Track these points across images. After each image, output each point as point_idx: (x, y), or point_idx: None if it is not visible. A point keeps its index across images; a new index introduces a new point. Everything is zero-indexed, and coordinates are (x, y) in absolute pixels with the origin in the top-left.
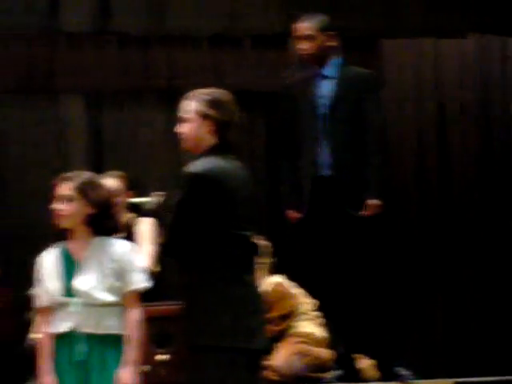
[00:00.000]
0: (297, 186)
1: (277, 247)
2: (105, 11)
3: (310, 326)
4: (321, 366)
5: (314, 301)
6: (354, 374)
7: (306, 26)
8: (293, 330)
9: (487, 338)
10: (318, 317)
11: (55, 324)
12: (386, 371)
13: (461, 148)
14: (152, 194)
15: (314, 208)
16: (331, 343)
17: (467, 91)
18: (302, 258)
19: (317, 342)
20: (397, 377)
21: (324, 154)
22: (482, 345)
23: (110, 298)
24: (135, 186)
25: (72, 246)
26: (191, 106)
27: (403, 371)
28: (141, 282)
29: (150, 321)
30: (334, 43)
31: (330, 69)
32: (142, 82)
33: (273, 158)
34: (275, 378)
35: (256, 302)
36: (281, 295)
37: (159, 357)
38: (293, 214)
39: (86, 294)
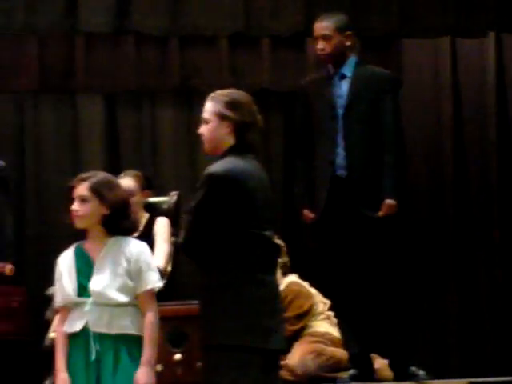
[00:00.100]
0: (312, 186)
1: (291, 247)
2: (123, 11)
3: (325, 325)
4: (336, 366)
5: (329, 300)
6: (368, 373)
7: (323, 25)
8: (308, 330)
9: (502, 337)
10: (332, 316)
11: (70, 323)
12: (400, 371)
13: (478, 148)
14: (168, 193)
15: (330, 208)
16: (345, 343)
17: (485, 91)
18: (317, 257)
19: (332, 341)
20: (411, 377)
21: (340, 154)
22: (496, 345)
23: (123, 298)
24: (151, 185)
25: (88, 246)
26: (210, 107)
27: (418, 371)
28: (155, 281)
29: (165, 320)
30: (351, 43)
31: (348, 68)
32: (159, 82)
33: (290, 158)
34: (290, 377)
35: (275, 302)
36: (296, 295)
37: (174, 356)
38: (308, 214)
39: (99, 294)
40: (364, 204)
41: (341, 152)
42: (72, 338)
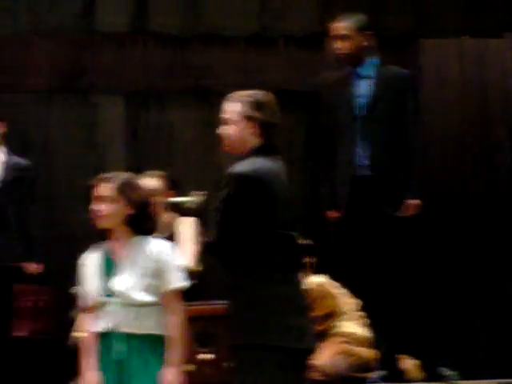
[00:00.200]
0: (335, 186)
1: (317, 247)
2: (139, 11)
3: (353, 325)
4: (364, 366)
5: (357, 301)
6: (397, 374)
7: (342, 25)
8: (335, 330)
9: None
10: (361, 317)
11: (96, 323)
12: (429, 371)
13: (504, 147)
14: (191, 193)
15: (353, 208)
16: (374, 343)
17: (508, 91)
18: (343, 257)
19: (359, 341)
20: (440, 377)
21: (362, 154)
22: None
23: (147, 297)
24: (175, 185)
25: (112, 246)
26: (234, 107)
27: (447, 371)
28: (179, 281)
29: (194, 320)
30: (370, 43)
31: (367, 68)
32: (175, 82)
33: (311, 157)
34: (319, 377)
35: (302, 302)
36: (322, 295)
37: (203, 356)
38: (332, 214)
39: (123, 294)
40: (386, 204)
41: (362, 152)
42: (99, 338)
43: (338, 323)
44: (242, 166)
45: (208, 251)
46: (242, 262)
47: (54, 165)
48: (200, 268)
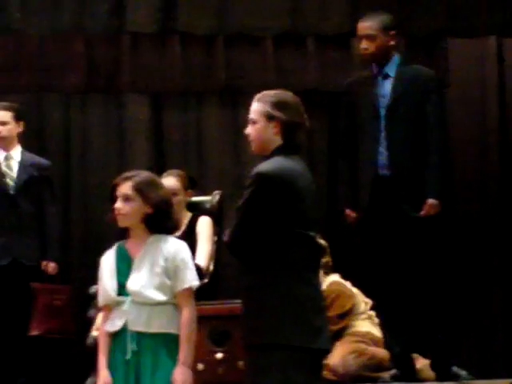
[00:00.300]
0: (355, 185)
1: (333, 246)
2: (169, 11)
3: (367, 325)
4: (377, 366)
5: (371, 300)
6: (410, 373)
7: (367, 25)
8: (349, 330)
9: None
10: (374, 316)
11: (111, 322)
12: (443, 371)
13: None
14: (212, 193)
15: (373, 208)
16: (387, 343)
17: None
18: (360, 257)
19: (373, 341)
20: (454, 377)
21: (383, 154)
22: None
23: (161, 296)
24: (195, 185)
25: (130, 244)
26: (257, 107)
27: (460, 371)
28: (193, 280)
29: (207, 319)
30: (395, 42)
31: (392, 68)
32: (205, 82)
33: (334, 157)
34: (332, 377)
35: (319, 302)
36: (338, 294)
37: (216, 355)
38: (350, 214)
39: (137, 293)
40: (407, 203)
41: (384, 152)
42: (113, 336)
43: (352, 322)
44: (265, 166)
45: (228, 250)
46: (261, 262)
47: (77, 163)
48: (212, 267)
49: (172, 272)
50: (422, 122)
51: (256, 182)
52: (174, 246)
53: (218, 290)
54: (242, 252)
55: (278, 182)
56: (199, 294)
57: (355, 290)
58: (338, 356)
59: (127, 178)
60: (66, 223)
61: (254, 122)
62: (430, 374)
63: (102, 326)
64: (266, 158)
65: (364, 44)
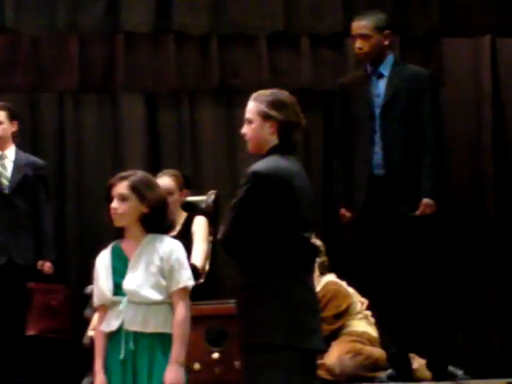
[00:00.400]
0: (350, 184)
1: (329, 246)
2: (163, 11)
3: (363, 325)
4: (373, 365)
5: (367, 299)
6: (407, 373)
7: (362, 24)
8: (346, 329)
9: None
10: (370, 316)
11: (107, 322)
12: (439, 370)
13: None
14: (207, 192)
15: (368, 207)
16: (383, 343)
17: None
18: (355, 256)
19: (370, 341)
20: (450, 376)
21: (378, 153)
22: None
23: (157, 296)
24: (189, 184)
25: (125, 244)
26: (253, 106)
27: (457, 371)
28: (188, 280)
29: (204, 319)
30: (389, 42)
31: (386, 67)
32: (199, 81)
33: (329, 156)
34: (328, 377)
35: (313, 303)
36: (334, 294)
37: (213, 355)
38: (345, 213)
39: (133, 293)
40: (402, 203)
41: (379, 151)
42: (110, 336)
43: (348, 322)
44: (260, 165)
45: (221, 248)
46: (255, 261)
47: (71, 163)
48: (208, 267)
49: (167, 272)
50: (416, 121)
51: (251, 181)
52: (169, 245)
53: (214, 290)
54: (235, 250)
55: (273, 180)
56: (195, 294)
57: (351, 290)
58: (335, 356)
59: (123, 178)
60: (61, 222)
61: (250, 122)
62: (427, 373)
63: (98, 327)
64: (262, 157)
65: (359, 43)
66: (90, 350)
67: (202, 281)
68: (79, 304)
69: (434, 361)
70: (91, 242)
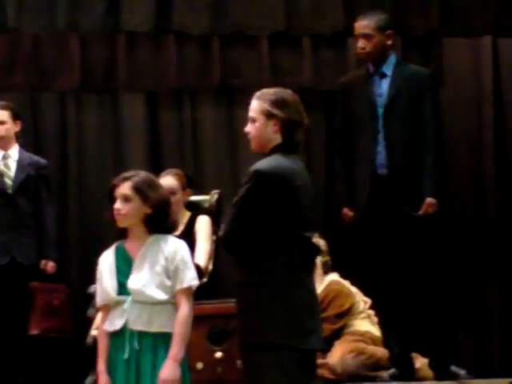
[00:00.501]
0: (352, 184)
1: (332, 245)
2: (164, 10)
3: (366, 324)
4: (376, 365)
5: (370, 299)
6: (409, 372)
7: (364, 24)
8: (348, 329)
9: None
10: (373, 315)
11: (111, 322)
12: (441, 370)
13: None
14: (210, 192)
15: (370, 207)
16: (386, 342)
17: None
18: (358, 256)
19: (372, 340)
20: (452, 376)
21: (381, 153)
22: None
23: (162, 296)
24: (192, 184)
25: (129, 244)
26: (257, 105)
27: (459, 370)
28: (192, 279)
29: (206, 318)
30: (392, 42)
31: (389, 67)
32: (200, 81)
33: (331, 156)
34: (330, 376)
35: (313, 303)
36: (337, 294)
37: (215, 354)
38: (347, 213)
39: (137, 292)
40: (404, 202)
41: (381, 151)
42: (113, 336)
43: (351, 322)
44: (262, 163)
45: (222, 246)
46: (255, 260)
47: (73, 163)
48: (211, 267)
49: (172, 272)
50: (418, 121)
51: (253, 179)
52: (174, 245)
53: (217, 289)
54: (235, 248)
55: (275, 179)
56: (198, 293)
57: (354, 289)
58: (337, 355)
59: (126, 179)
60: (63, 222)
61: (254, 120)
62: (429, 373)
63: (101, 327)
64: (264, 156)
65: (361, 43)
66: (92, 349)
67: (205, 280)
68: (81, 303)
69: (437, 360)
70: (93, 242)
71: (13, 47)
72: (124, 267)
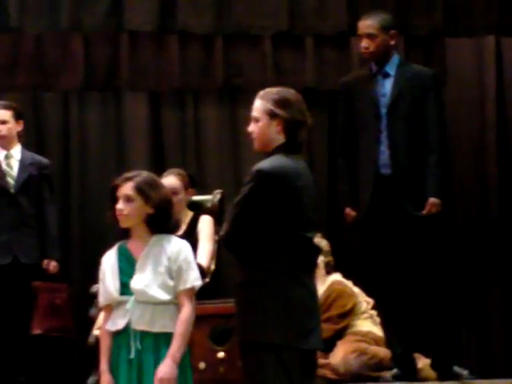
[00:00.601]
0: (355, 184)
1: (334, 245)
2: (167, 10)
3: (368, 324)
4: (378, 365)
5: (372, 299)
6: (412, 373)
7: (368, 24)
8: (351, 329)
9: None
10: (376, 315)
11: (113, 322)
12: (444, 370)
13: None
14: (212, 191)
15: (374, 207)
16: (389, 342)
17: None
18: (361, 256)
19: (375, 340)
20: (455, 376)
21: (384, 153)
22: None
23: (164, 296)
24: (195, 183)
25: (131, 244)
26: (260, 105)
27: (462, 371)
28: (195, 280)
29: (208, 318)
30: (395, 42)
31: (392, 67)
32: (203, 81)
33: (334, 156)
34: (333, 376)
35: (313, 303)
36: (339, 294)
37: (217, 354)
38: (350, 213)
39: (140, 292)
40: (408, 202)
41: (385, 150)
42: (116, 336)
43: (353, 322)
44: (265, 163)
45: (223, 244)
46: (255, 259)
47: (76, 162)
48: (213, 267)
49: (175, 272)
50: (422, 121)
51: (255, 179)
52: (177, 245)
53: (219, 289)
54: (236, 247)
55: (277, 179)
56: (201, 293)
57: (356, 290)
58: (340, 355)
59: (128, 179)
60: (66, 222)
61: (257, 120)
62: (431, 373)
63: (103, 327)
64: (267, 155)
65: (364, 43)
66: (94, 349)
67: (207, 280)
68: (83, 303)
69: (439, 360)
70: (95, 241)
71: (15, 47)
72: (127, 267)
